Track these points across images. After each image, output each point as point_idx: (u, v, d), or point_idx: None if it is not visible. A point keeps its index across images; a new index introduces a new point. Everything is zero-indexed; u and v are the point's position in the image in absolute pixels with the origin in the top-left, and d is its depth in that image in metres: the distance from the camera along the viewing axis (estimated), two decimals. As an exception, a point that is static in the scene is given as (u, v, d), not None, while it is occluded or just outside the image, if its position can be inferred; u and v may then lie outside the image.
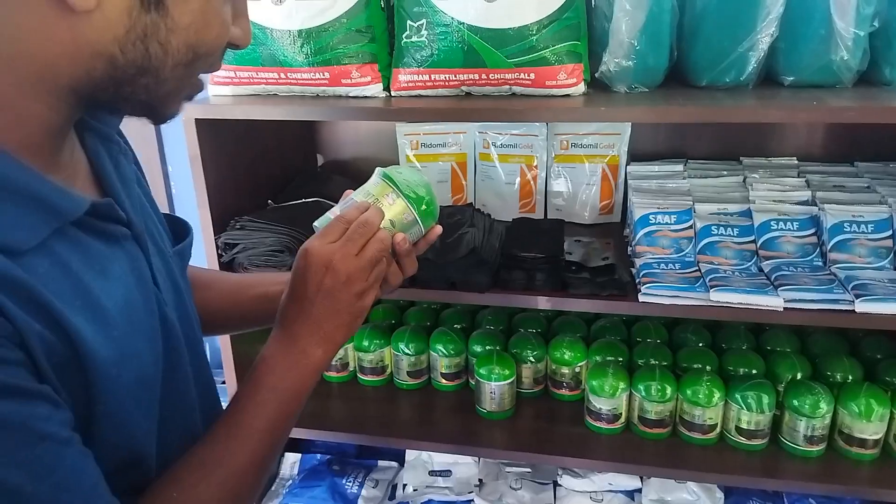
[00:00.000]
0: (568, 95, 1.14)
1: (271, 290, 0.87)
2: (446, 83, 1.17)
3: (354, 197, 0.79)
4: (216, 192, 1.25)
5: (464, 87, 1.17)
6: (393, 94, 1.20)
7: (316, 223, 0.77)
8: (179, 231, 0.75)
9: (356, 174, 1.64)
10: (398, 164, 1.56)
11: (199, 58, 0.55)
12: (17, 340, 0.46)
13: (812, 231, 1.26)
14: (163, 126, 1.73)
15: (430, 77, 1.17)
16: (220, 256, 1.27)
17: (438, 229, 0.80)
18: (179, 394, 0.66)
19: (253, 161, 1.40)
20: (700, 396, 1.29)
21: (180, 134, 1.20)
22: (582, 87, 1.14)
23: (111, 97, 0.53)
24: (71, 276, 0.51)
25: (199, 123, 1.18)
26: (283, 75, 1.20)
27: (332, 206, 0.81)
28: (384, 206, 0.76)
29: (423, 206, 0.79)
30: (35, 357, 0.47)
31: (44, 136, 0.51)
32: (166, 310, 0.63)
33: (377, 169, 0.81)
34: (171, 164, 1.78)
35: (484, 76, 1.14)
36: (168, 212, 1.83)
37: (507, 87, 1.15)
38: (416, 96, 1.19)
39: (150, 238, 0.65)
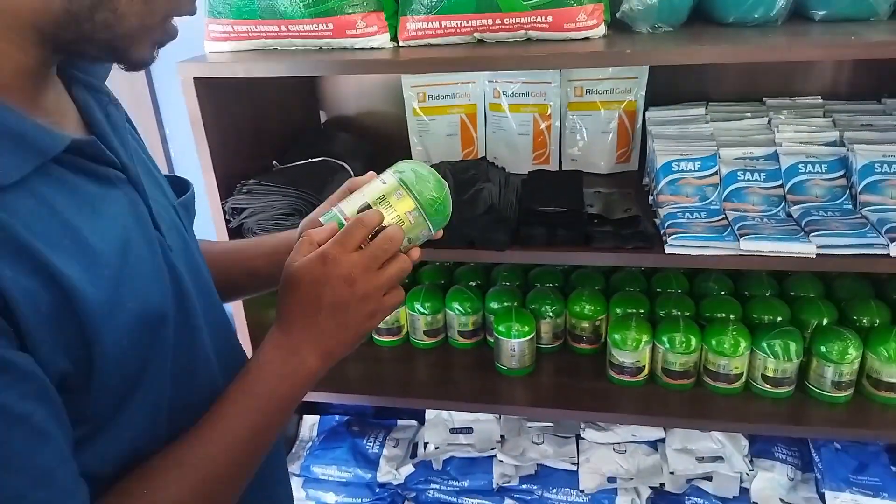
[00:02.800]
0: (588, 39, 1.07)
1: (256, 263, 0.84)
2: (458, 30, 1.10)
3: (367, 198, 0.68)
4: (219, 155, 1.20)
5: (476, 34, 1.11)
6: (401, 44, 1.14)
7: (322, 218, 0.70)
8: (179, 188, 0.71)
9: (361, 130, 1.58)
10: (405, 118, 1.50)
11: None
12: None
13: (841, 173, 1.21)
14: (158, 87, 1.67)
15: (440, 24, 1.10)
16: (227, 222, 1.22)
17: (440, 233, 0.73)
18: (194, 344, 0.63)
19: (255, 120, 1.34)
20: (726, 346, 1.27)
21: (176, 94, 1.13)
22: (603, 29, 1.07)
23: (74, 36, 0.51)
24: (57, 216, 0.49)
25: (199, 83, 1.11)
26: (283, 28, 1.13)
27: (337, 198, 0.73)
28: (397, 209, 0.68)
29: (436, 213, 0.70)
30: (15, 313, 0.45)
31: (18, 77, 0.50)
32: (172, 256, 0.60)
33: (392, 169, 0.71)
34: (169, 126, 1.71)
35: (498, 21, 1.08)
36: (168, 176, 1.79)
37: (523, 31, 1.09)
38: (425, 45, 1.13)
39: (150, 183, 0.62)
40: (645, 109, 1.42)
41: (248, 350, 1.36)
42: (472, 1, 1.07)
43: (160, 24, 0.55)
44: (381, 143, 1.56)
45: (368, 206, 0.67)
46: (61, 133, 0.51)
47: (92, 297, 0.49)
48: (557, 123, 1.46)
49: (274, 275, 0.69)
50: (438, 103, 1.50)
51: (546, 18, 1.06)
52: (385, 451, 1.50)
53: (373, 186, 0.70)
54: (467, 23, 1.09)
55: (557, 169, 1.49)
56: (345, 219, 0.67)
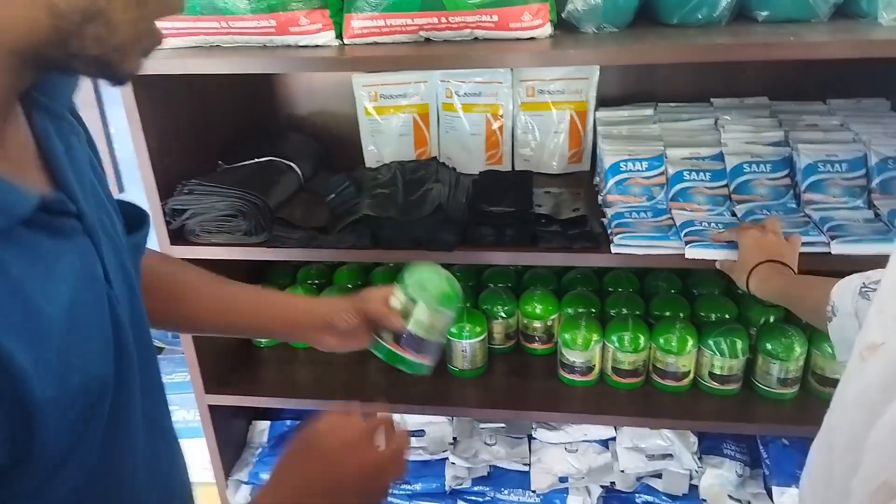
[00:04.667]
0: (534, 38, 1.07)
1: (276, 328, 0.89)
2: (403, 28, 1.08)
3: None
4: (160, 155, 1.16)
5: (422, 33, 1.09)
6: (346, 41, 1.12)
7: (373, 347, 0.87)
8: (134, 220, 0.66)
9: (312, 129, 1.55)
10: (356, 117, 1.48)
11: None
12: None
13: (785, 172, 1.23)
14: (103, 84, 1.62)
15: (385, 22, 1.08)
16: (168, 223, 1.19)
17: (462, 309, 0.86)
18: (128, 404, 0.58)
19: (200, 119, 1.30)
20: (673, 344, 1.28)
21: (119, 93, 1.10)
22: (549, 29, 1.07)
23: (58, 54, 0.46)
24: (8, 283, 0.44)
25: (136, 80, 1.08)
26: (224, 24, 1.10)
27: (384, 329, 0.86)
28: (418, 316, 0.83)
29: (449, 301, 0.86)
30: None
31: None
32: (119, 310, 0.56)
33: (400, 286, 0.86)
34: (113, 125, 1.66)
35: (444, 20, 1.06)
36: (115, 178, 1.73)
37: (469, 30, 1.08)
38: (371, 44, 1.11)
39: (103, 229, 0.57)
40: (596, 110, 1.42)
41: (194, 376, 1.33)
42: (417, -1, 1.05)
43: (151, 28, 0.51)
44: (333, 143, 1.53)
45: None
46: (29, 192, 0.46)
47: (38, 381, 0.45)
48: (510, 123, 1.45)
49: (282, 335, 0.82)
50: (390, 103, 1.48)
51: (491, 17, 1.05)
52: (337, 456, 1.47)
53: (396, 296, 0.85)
54: (412, 21, 1.07)
55: (510, 169, 1.49)
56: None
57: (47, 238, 0.49)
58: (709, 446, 1.43)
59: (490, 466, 1.43)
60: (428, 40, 1.10)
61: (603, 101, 1.43)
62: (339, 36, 1.12)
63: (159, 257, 0.83)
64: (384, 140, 1.50)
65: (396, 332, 0.84)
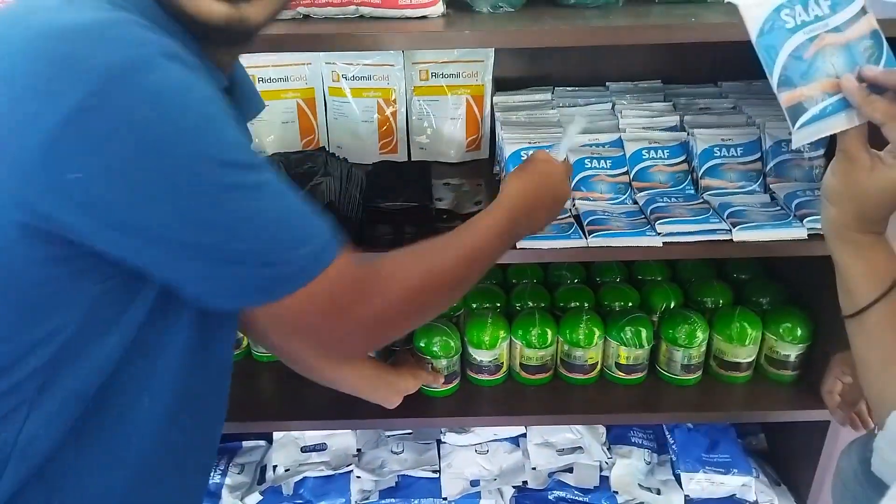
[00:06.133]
0: (425, 17, 0.97)
1: None
2: (278, 4, 0.96)
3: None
4: None
5: (301, 9, 0.98)
6: (212, 18, 0.97)
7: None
8: None
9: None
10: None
11: None
12: None
13: (682, 158, 1.21)
14: None
15: (256, -4, 0.95)
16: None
17: None
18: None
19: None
20: (580, 337, 1.24)
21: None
22: (441, 7, 0.98)
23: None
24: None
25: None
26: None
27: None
28: None
29: None
30: None
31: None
32: None
33: None
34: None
35: (324, -6, 0.95)
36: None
37: (353, 7, 0.97)
38: (241, 21, 0.97)
39: None
40: (492, 94, 1.35)
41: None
42: (293, -30, 0.93)
43: None
44: (207, 133, 1.37)
45: None
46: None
47: None
48: (403, 109, 1.36)
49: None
50: (270, 87, 1.34)
51: (378, -7, 0.95)
52: (228, 480, 1.34)
53: None
54: (288, -5, 0.95)
55: (406, 158, 1.39)
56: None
57: None
58: (617, 435, 1.42)
59: (398, 476, 1.35)
60: (307, 17, 0.99)
61: (497, 86, 1.37)
62: (204, 12, 0.98)
63: None
64: (265, 128, 1.36)
65: None
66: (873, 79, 0.62)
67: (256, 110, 0.87)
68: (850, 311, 0.67)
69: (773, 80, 0.65)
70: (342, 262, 0.63)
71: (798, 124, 0.65)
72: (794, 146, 0.68)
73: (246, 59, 1.29)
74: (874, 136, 0.64)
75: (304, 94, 1.36)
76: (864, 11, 0.64)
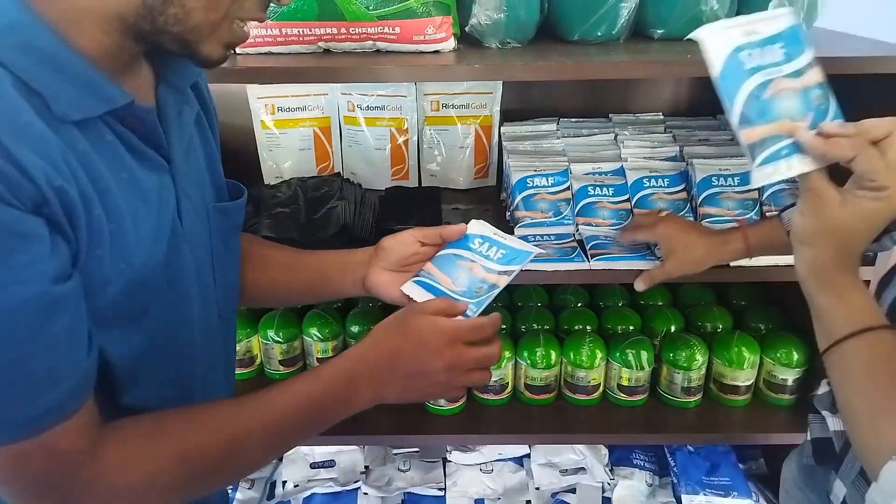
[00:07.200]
0: (438, 52, 1.04)
1: (329, 271, 0.87)
2: (300, 38, 1.03)
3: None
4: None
5: (321, 43, 1.04)
6: (238, 51, 1.04)
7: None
8: (232, 194, 0.80)
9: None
10: (252, 131, 1.40)
11: None
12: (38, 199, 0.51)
13: (682, 186, 1.26)
14: None
15: (280, 31, 1.02)
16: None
17: None
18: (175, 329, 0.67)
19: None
20: (583, 359, 1.28)
21: None
22: (452, 43, 1.05)
23: (150, 27, 0.57)
24: (97, 170, 0.56)
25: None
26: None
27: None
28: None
29: None
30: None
31: (104, 57, 0.57)
32: (182, 244, 0.66)
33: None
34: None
35: (344, 30, 1.02)
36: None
37: (371, 42, 1.04)
38: (265, 54, 1.04)
39: (189, 181, 0.68)
40: (500, 124, 1.41)
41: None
42: (315, 7, 1.00)
43: (225, 22, 0.60)
44: (228, 158, 1.42)
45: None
46: (126, 91, 0.58)
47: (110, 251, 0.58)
48: (415, 138, 1.42)
49: (342, 280, 0.84)
50: (289, 116, 1.41)
51: (394, 30, 1.02)
52: (238, 495, 1.37)
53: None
54: (310, 31, 1.02)
55: (417, 185, 1.45)
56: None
57: (135, 160, 0.61)
58: (619, 457, 1.45)
59: (404, 494, 1.37)
60: (327, 51, 1.05)
61: (505, 116, 1.43)
62: (231, 45, 1.05)
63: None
64: (283, 155, 1.42)
65: None
66: (833, 135, 0.63)
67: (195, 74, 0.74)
68: (825, 346, 0.66)
69: (734, 118, 0.66)
70: (62, 430, 0.54)
71: (757, 162, 0.66)
72: (753, 185, 0.68)
73: (266, 90, 1.38)
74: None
75: (321, 122, 1.42)
76: (811, 64, 0.67)
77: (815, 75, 0.67)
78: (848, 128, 0.64)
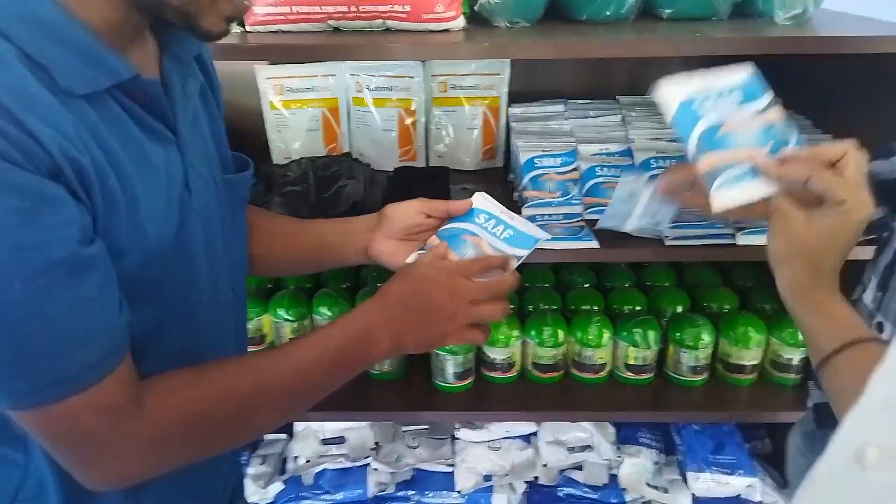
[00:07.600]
0: (447, 30, 1.04)
1: (329, 237, 0.89)
2: (310, 17, 1.04)
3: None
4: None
5: (331, 22, 1.05)
6: (248, 29, 1.05)
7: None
8: (238, 167, 0.82)
9: (214, 125, 1.46)
10: (260, 111, 1.41)
11: None
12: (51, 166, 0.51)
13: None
14: None
15: (290, 9, 1.03)
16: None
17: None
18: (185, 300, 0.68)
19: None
20: (590, 338, 1.29)
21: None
22: (462, 21, 1.05)
23: (153, 0, 0.58)
24: (107, 143, 0.57)
25: None
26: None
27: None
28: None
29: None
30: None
31: (109, 29, 0.57)
32: (191, 216, 0.66)
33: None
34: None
35: (353, 8, 1.02)
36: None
37: (380, 20, 1.04)
38: (275, 32, 1.05)
39: (195, 153, 0.68)
40: (508, 106, 1.42)
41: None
42: (325, -14, 1.00)
43: None
44: (236, 138, 1.44)
45: None
46: (131, 65, 0.59)
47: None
48: (423, 119, 1.43)
49: (342, 247, 0.86)
50: (298, 96, 1.41)
51: (404, 8, 1.02)
52: (251, 470, 1.39)
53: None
54: (320, 9, 1.03)
55: (424, 165, 1.46)
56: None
57: (143, 133, 0.61)
58: (626, 435, 1.46)
59: (414, 470, 1.40)
60: (337, 30, 1.06)
61: (513, 98, 1.43)
62: (241, 23, 1.06)
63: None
64: (292, 135, 1.43)
65: None
66: (791, 160, 0.66)
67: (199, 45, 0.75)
68: (818, 362, 0.66)
69: (689, 155, 0.69)
70: (104, 386, 0.56)
71: (714, 187, 0.68)
72: (713, 211, 0.70)
73: (274, 71, 1.38)
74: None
75: (329, 103, 1.43)
76: (772, 104, 0.70)
77: (775, 114, 0.70)
78: (803, 152, 0.66)
